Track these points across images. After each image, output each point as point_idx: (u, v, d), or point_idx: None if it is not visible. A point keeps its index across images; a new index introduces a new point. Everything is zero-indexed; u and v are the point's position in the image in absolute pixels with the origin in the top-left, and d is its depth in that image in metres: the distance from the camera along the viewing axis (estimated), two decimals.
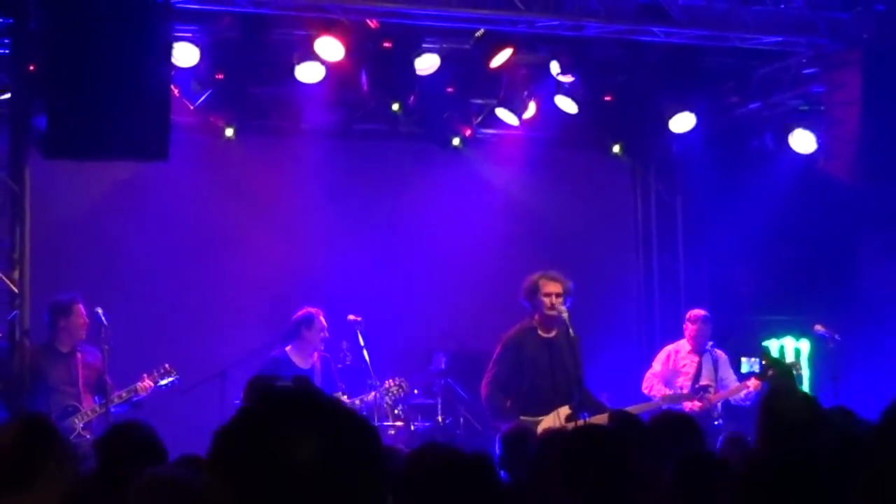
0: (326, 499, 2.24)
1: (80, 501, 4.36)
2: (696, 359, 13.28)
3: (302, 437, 2.27)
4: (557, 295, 11.46)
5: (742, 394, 12.87)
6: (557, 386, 11.38)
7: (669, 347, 13.60)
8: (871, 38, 12.26)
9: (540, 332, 11.58)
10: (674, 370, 13.34)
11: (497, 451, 7.98)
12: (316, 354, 12.48)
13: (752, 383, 12.71)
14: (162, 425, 6.20)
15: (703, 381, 13.05)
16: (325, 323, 12.40)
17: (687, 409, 12.15)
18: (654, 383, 13.29)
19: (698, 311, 13.55)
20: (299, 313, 12.44)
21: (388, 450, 6.33)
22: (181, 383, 11.94)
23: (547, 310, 11.45)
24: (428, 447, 4.84)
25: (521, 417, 10.97)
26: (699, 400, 12.65)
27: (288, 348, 12.38)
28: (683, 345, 13.48)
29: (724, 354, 13.39)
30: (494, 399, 11.39)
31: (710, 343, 13.42)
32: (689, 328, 13.47)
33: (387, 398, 12.47)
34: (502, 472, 7.43)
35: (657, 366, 13.49)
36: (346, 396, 12.12)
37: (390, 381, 12.49)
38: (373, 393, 12.35)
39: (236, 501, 2.25)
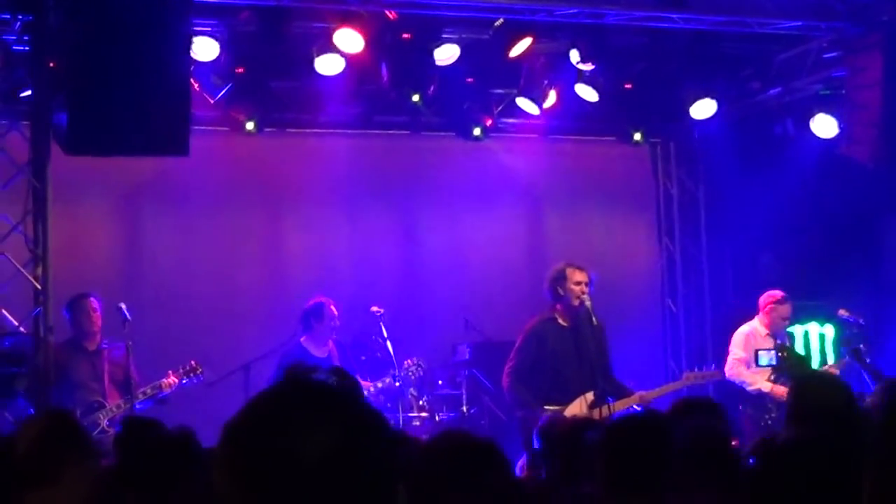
0: (335, 492, 2.24)
1: (104, 497, 4.38)
2: (772, 342, 13.06)
3: (310, 430, 2.26)
4: (585, 284, 11.48)
5: None
6: (580, 374, 11.40)
7: (745, 330, 13.25)
8: (891, 20, 12.20)
9: (561, 321, 11.61)
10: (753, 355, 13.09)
11: (535, 444, 7.94)
12: (331, 342, 12.54)
13: (834, 367, 12.66)
14: (186, 419, 6.22)
15: None
16: (335, 311, 12.47)
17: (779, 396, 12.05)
18: (741, 370, 12.93)
19: (776, 293, 13.29)
20: (309, 304, 12.49)
21: (405, 439, 6.33)
22: (205, 378, 11.98)
23: (574, 299, 11.47)
24: (443, 435, 4.84)
25: (545, 407, 10.97)
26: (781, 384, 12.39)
27: (303, 339, 12.46)
28: (759, 327, 13.20)
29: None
30: (516, 389, 11.41)
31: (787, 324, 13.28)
32: (766, 311, 13.22)
33: (411, 388, 12.51)
34: (542, 466, 7.43)
35: (739, 351, 13.09)
36: (366, 382, 12.18)
37: (408, 360, 12.53)
38: (389, 377, 12.39)
39: (244, 494, 2.25)
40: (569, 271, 11.57)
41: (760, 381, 12.74)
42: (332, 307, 12.53)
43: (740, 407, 12.78)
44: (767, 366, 12.47)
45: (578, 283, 11.49)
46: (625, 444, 4.93)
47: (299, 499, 2.23)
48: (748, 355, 12.95)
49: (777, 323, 13.18)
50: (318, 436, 2.25)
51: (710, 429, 5.07)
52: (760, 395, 12.73)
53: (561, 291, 11.57)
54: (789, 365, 12.12)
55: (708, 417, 6.60)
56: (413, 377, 12.55)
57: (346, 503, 2.24)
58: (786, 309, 13.21)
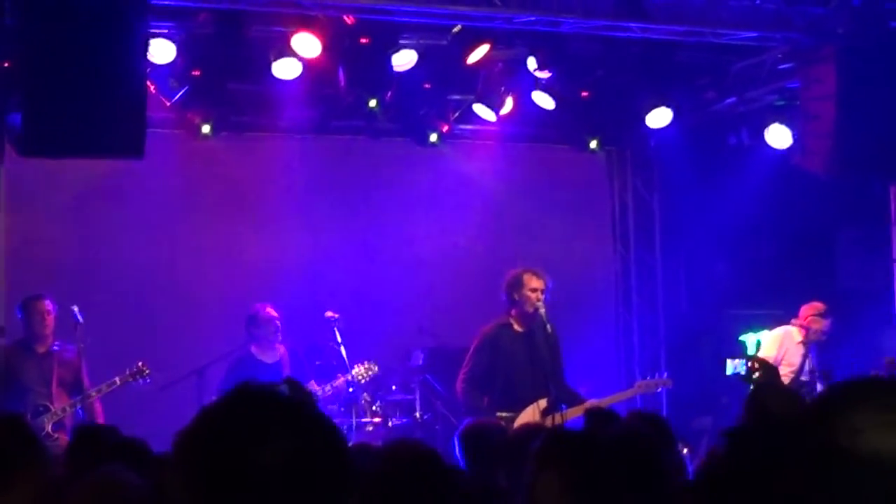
0: (290, 499, 2.25)
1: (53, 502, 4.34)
2: (803, 350, 13.07)
3: (263, 440, 2.27)
4: (541, 291, 11.49)
5: None
6: (534, 381, 11.40)
7: (780, 333, 13.22)
8: (846, 33, 12.28)
9: (516, 327, 11.62)
10: (782, 358, 12.99)
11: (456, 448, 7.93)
12: (283, 347, 12.55)
13: None
14: (139, 423, 6.22)
15: (804, 377, 12.89)
16: (272, 313, 12.55)
17: None
18: None
19: (818, 304, 13.25)
20: (248, 313, 12.55)
21: (360, 446, 6.33)
22: (158, 381, 11.93)
23: (528, 306, 11.48)
24: (397, 444, 4.85)
25: (498, 414, 10.98)
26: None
27: (252, 347, 12.53)
28: (795, 333, 13.14)
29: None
30: (470, 395, 11.43)
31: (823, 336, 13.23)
32: (807, 322, 13.18)
33: (364, 393, 12.52)
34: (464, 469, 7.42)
35: (772, 350, 13.03)
36: (316, 384, 12.18)
37: (358, 365, 12.54)
38: (342, 378, 12.39)
39: (196, 500, 2.25)
40: (525, 277, 11.57)
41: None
42: (269, 309, 12.57)
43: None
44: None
45: (534, 290, 11.49)
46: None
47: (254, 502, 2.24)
48: (778, 355, 12.91)
49: (813, 335, 13.17)
50: (272, 446, 2.26)
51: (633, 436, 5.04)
52: None
53: (516, 297, 11.57)
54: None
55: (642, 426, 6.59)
56: (364, 381, 12.55)
57: None
58: (825, 323, 13.18)
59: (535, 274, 11.59)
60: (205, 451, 2.28)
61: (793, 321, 13.26)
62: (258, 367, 12.18)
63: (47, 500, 4.07)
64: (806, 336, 13.18)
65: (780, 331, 13.24)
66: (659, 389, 12.99)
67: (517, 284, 11.59)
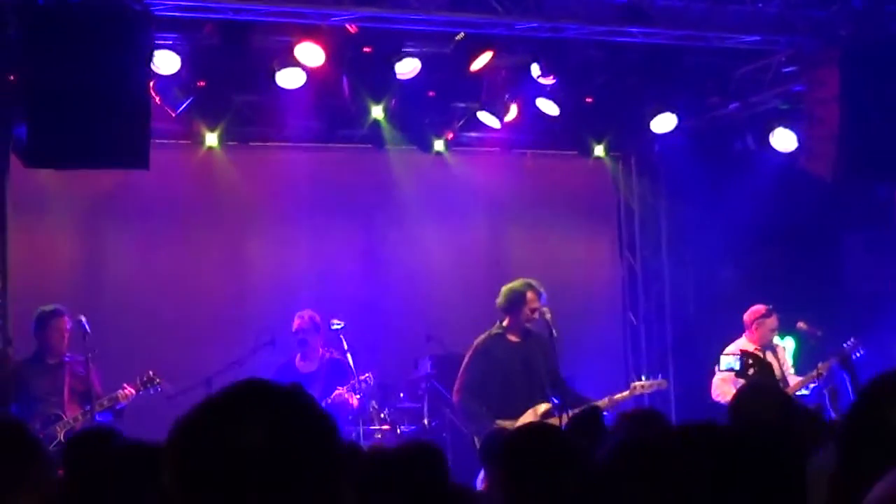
0: (272, 490, 2.26)
1: None
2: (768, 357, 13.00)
3: (246, 422, 2.29)
4: (538, 307, 11.62)
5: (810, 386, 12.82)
6: (530, 389, 11.53)
7: (731, 350, 12.83)
8: (849, 35, 12.30)
9: (510, 336, 11.74)
10: None
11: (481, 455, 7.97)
12: (328, 355, 12.68)
13: (821, 368, 12.65)
14: (148, 432, 6.20)
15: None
16: (296, 322, 12.75)
17: None
18: (725, 389, 12.59)
19: (759, 308, 13.25)
20: None
21: (350, 448, 6.34)
22: (167, 390, 11.94)
23: (526, 321, 11.64)
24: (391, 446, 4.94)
25: (497, 422, 11.04)
26: None
27: (296, 355, 12.87)
28: (747, 345, 12.99)
29: (785, 344, 13.27)
30: (467, 405, 11.59)
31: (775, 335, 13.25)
32: (753, 327, 13.18)
33: (372, 401, 12.55)
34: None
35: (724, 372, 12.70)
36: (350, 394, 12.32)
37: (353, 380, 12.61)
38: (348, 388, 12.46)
39: (184, 493, 2.28)
40: (529, 296, 11.68)
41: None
42: (296, 318, 12.74)
43: None
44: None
45: (534, 310, 11.64)
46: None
47: (237, 496, 2.26)
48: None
49: (766, 336, 13.18)
50: (248, 429, 2.28)
51: None
52: None
53: (516, 311, 11.72)
54: (753, 371, 12.11)
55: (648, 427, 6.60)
56: (361, 391, 12.62)
57: (285, 492, 2.27)
58: (773, 321, 13.21)
59: (537, 294, 11.67)
60: (186, 440, 2.32)
61: (743, 335, 13.26)
62: (295, 375, 12.25)
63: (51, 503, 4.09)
64: (760, 341, 13.17)
65: (731, 348, 12.96)
66: (654, 390, 13.08)
67: (519, 301, 11.72)
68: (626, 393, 12.48)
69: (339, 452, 2.38)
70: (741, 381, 12.04)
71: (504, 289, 11.95)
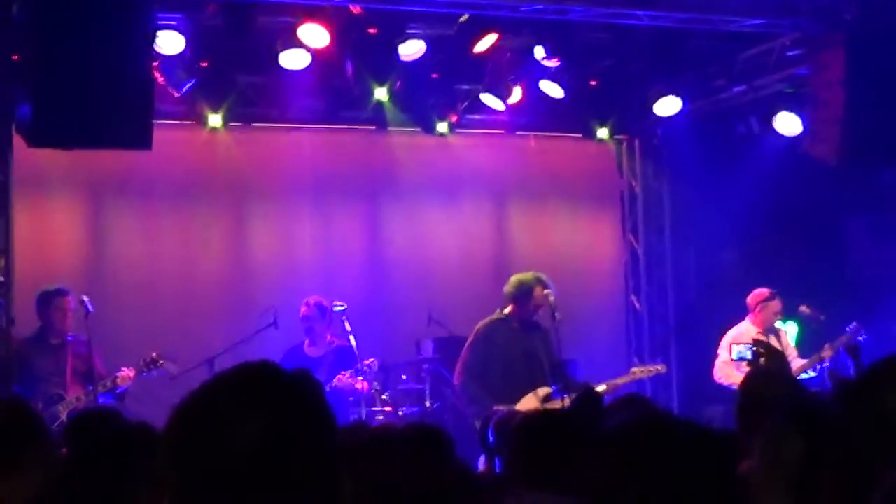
0: (267, 476, 2.25)
1: (59, 486, 4.36)
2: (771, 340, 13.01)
3: (241, 417, 2.28)
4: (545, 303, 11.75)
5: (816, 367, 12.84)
6: (530, 375, 11.60)
7: (733, 333, 13.16)
8: (854, 18, 12.26)
9: (511, 323, 11.81)
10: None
11: (490, 438, 7.98)
12: (337, 341, 12.72)
13: (825, 352, 12.68)
14: (150, 414, 6.20)
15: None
16: (303, 310, 12.81)
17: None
18: (728, 371, 12.76)
19: (763, 291, 13.29)
20: None
21: (354, 428, 6.34)
22: (169, 371, 11.95)
23: (529, 313, 11.73)
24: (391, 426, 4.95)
25: (496, 407, 11.06)
26: None
27: (305, 340, 12.90)
28: (750, 328, 13.12)
29: (788, 328, 13.29)
30: (470, 387, 11.67)
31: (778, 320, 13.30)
32: (757, 310, 13.22)
33: (374, 383, 12.56)
34: (496, 460, 7.47)
35: (724, 353, 12.93)
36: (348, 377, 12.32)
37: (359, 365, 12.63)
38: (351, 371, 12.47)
39: (180, 478, 2.27)
40: (537, 291, 11.81)
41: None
42: (303, 306, 12.78)
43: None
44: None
45: (539, 306, 11.72)
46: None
47: (231, 483, 2.25)
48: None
49: (770, 319, 13.21)
50: (247, 432, 2.27)
51: None
52: None
53: (522, 302, 11.80)
54: (765, 361, 12.09)
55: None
56: (366, 377, 12.64)
57: (280, 487, 2.26)
58: (776, 304, 13.24)
59: (546, 288, 11.74)
60: (181, 427, 2.32)
61: (746, 318, 13.27)
62: (302, 360, 12.27)
63: (54, 483, 4.09)
64: (763, 324, 13.19)
65: (733, 332, 13.22)
66: (652, 375, 13.21)
67: (527, 293, 11.86)
68: (625, 378, 12.52)
69: (335, 448, 2.36)
70: (743, 364, 12.14)
71: (513, 278, 12.02)
